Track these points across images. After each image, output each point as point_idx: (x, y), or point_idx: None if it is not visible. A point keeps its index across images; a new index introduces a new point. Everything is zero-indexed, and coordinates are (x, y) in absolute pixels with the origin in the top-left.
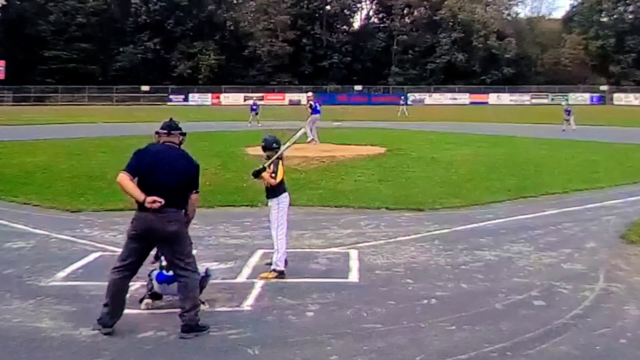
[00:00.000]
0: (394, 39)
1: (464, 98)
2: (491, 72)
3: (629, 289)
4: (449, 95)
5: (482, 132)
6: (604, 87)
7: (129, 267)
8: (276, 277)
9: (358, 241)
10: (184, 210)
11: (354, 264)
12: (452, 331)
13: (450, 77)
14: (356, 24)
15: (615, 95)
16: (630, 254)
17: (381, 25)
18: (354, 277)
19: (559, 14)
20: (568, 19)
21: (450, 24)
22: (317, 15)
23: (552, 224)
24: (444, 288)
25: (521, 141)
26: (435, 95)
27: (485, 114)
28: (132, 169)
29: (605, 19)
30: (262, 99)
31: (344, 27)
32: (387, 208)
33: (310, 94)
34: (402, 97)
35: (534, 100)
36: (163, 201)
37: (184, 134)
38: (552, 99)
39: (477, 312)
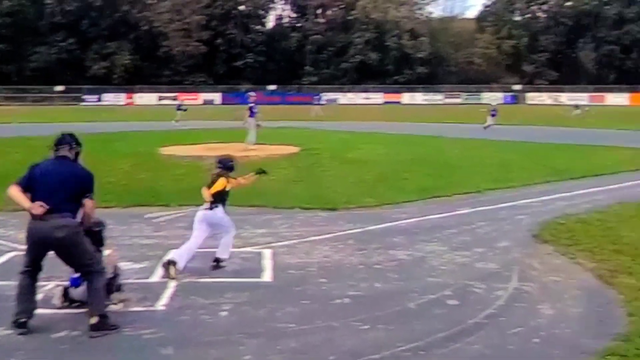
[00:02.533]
0: (307, 38)
1: (378, 97)
2: (404, 72)
3: (542, 288)
4: (363, 95)
5: (395, 131)
6: (517, 87)
7: (33, 270)
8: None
9: (272, 241)
10: (77, 218)
11: (268, 263)
12: (365, 330)
13: (364, 76)
14: (270, 24)
15: (529, 94)
16: (543, 253)
17: (295, 25)
18: (267, 276)
19: (472, 13)
20: (481, 19)
21: (364, 24)
22: (231, 15)
23: (466, 224)
24: (357, 287)
25: (435, 140)
26: (349, 95)
27: (398, 113)
28: (23, 182)
29: (518, 19)
30: (175, 98)
31: (258, 27)
32: (300, 208)
33: (253, 93)
34: (317, 97)
35: (447, 100)
36: (47, 207)
37: (78, 145)
38: (466, 99)
39: (390, 311)
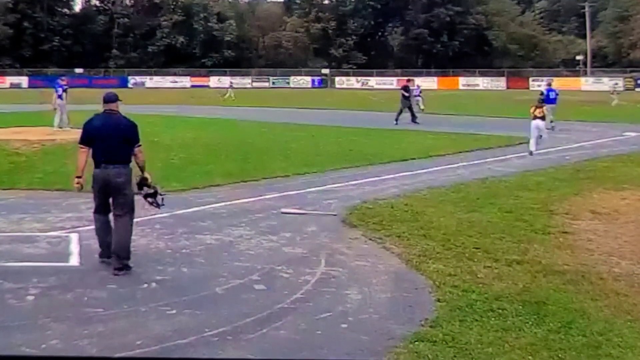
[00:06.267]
0: (114, 21)
1: (185, 81)
2: (212, 55)
3: (350, 273)
4: (170, 78)
5: (204, 115)
6: (325, 71)
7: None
8: None
9: (78, 225)
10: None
11: (75, 247)
12: (172, 315)
13: (171, 60)
14: (77, 7)
15: (337, 78)
16: (351, 238)
17: (102, 8)
18: (74, 261)
19: None
20: (289, 1)
21: (171, 6)
22: None
23: (273, 208)
24: (164, 272)
25: (243, 124)
26: (156, 78)
27: (206, 97)
28: (83, 140)
29: (326, 2)
30: None
31: (65, 10)
32: None
33: (63, 77)
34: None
35: (255, 84)
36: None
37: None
38: (273, 82)
39: (198, 296)
